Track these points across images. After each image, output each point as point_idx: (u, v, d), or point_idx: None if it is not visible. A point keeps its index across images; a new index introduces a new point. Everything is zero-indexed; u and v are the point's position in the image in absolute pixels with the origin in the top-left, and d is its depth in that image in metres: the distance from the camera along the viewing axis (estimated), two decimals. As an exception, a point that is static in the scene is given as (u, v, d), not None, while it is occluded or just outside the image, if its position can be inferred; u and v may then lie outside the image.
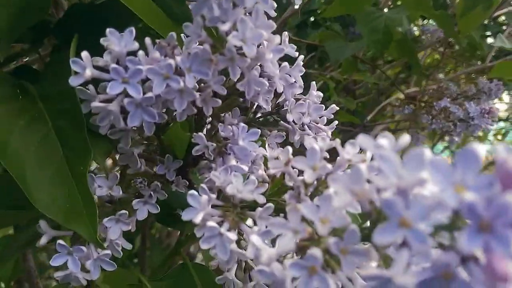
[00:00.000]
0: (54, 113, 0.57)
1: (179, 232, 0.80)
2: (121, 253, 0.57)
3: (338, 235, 0.38)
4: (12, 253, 0.89)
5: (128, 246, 0.59)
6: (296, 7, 1.37)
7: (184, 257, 0.68)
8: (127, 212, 0.56)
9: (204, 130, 0.61)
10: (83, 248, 0.51)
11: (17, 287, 1.50)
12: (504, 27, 1.91)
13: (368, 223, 0.37)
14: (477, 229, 0.24)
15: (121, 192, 0.57)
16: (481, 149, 0.27)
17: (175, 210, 0.78)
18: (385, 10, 1.51)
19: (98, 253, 0.53)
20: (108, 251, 0.53)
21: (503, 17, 2.08)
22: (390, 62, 2.08)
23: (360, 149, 0.48)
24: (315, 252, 0.35)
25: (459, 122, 1.24)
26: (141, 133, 0.61)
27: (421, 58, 1.94)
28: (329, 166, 0.44)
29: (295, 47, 0.59)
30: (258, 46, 0.49)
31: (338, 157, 0.46)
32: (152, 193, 0.59)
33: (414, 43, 1.70)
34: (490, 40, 2.01)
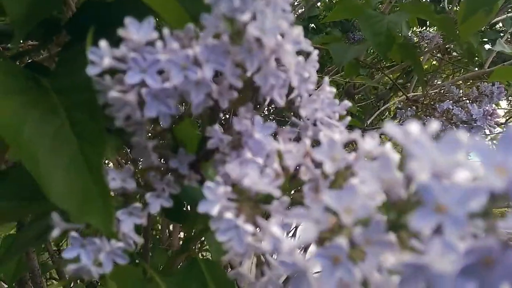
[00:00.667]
0: (69, 106, 0.55)
1: (180, 232, 0.78)
2: (134, 247, 0.55)
3: (361, 225, 0.37)
4: (16, 252, 0.87)
5: (140, 240, 0.57)
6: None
7: (194, 253, 0.66)
8: (141, 205, 0.54)
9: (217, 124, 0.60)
10: (97, 240, 0.50)
11: (19, 287, 1.48)
12: (501, 34, 1.91)
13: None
14: (522, 212, 0.23)
15: (134, 185, 0.55)
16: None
17: (184, 206, 0.77)
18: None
19: (111, 246, 0.51)
20: (121, 244, 0.51)
21: (500, 24, 2.08)
22: (389, 67, 2.07)
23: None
24: (340, 241, 0.34)
25: (462, 124, 1.23)
26: (154, 126, 0.59)
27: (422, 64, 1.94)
28: (350, 157, 0.42)
29: (310, 41, 0.58)
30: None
31: (358, 149, 0.44)
32: (165, 186, 0.57)
33: (415, 48, 1.70)
34: (487, 46, 2.01)
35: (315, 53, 0.59)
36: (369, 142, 0.44)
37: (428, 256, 0.28)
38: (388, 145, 0.46)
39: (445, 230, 0.27)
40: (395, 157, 0.32)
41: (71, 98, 0.55)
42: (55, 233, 0.54)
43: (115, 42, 0.51)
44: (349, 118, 0.64)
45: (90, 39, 0.52)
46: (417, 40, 2.18)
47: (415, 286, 0.28)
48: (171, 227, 1.76)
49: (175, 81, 0.46)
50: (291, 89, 0.61)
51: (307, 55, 0.59)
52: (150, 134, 0.58)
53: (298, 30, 0.49)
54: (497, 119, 1.23)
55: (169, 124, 0.51)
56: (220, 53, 0.48)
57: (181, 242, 1.62)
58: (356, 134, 0.45)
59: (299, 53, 0.57)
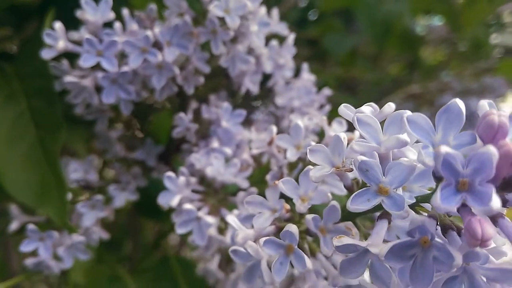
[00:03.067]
0: (30, 92, 0.55)
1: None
2: (97, 241, 0.55)
3: (319, 214, 0.37)
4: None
5: (105, 236, 0.58)
6: None
7: (165, 249, 0.66)
8: (102, 197, 0.54)
9: (189, 113, 0.60)
10: (55, 233, 0.50)
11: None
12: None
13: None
14: (455, 188, 0.23)
15: (96, 176, 0.55)
16: (463, 105, 0.25)
17: (156, 200, 0.77)
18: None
19: (72, 240, 0.52)
20: (82, 238, 0.51)
21: (507, 19, 2.07)
22: (394, 60, 2.06)
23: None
24: (291, 228, 0.34)
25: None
26: (121, 115, 0.59)
27: (425, 58, 1.93)
28: (314, 143, 0.42)
29: (285, 24, 0.58)
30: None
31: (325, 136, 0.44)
32: (131, 179, 0.58)
33: (417, 40, 1.69)
34: (495, 40, 2.00)
35: (291, 38, 0.59)
36: (336, 129, 0.45)
37: (369, 240, 0.28)
38: (357, 132, 0.46)
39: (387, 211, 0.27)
40: (345, 140, 0.32)
41: (32, 84, 0.56)
42: (14, 225, 0.54)
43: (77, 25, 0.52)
44: (328, 107, 0.64)
45: (49, 21, 0.52)
46: (422, 31, 2.16)
47: (357, 268, 0.28)
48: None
49: (133, 65, 0.47)
50: (267, 77, 0.62)
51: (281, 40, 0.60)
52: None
53: (264, 11, 0.49)
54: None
55: (130, 112, 0.52)
56: (182, 35, 0.48)
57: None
58: (322, 121, 0.45)
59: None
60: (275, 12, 0.59)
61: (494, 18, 1.74)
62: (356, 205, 0.27)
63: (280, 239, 0.35)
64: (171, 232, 0.67)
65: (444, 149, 0.22)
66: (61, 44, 0.45)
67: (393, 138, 0.27)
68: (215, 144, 0.52)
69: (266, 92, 0.63)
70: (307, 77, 0.63)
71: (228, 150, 0.52)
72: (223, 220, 0.51)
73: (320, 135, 0.50)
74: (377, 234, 0.28)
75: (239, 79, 0.56)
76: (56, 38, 0.46)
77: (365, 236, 0.35)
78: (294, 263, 0.34)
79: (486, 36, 1.69)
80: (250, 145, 0.57)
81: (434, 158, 0.22)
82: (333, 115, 0.65)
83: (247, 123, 0.63)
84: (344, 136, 0.32)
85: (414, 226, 0.24)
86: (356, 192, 0.27)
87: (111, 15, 0.46)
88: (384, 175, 0.27)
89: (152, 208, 0.71)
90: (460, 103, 0.25)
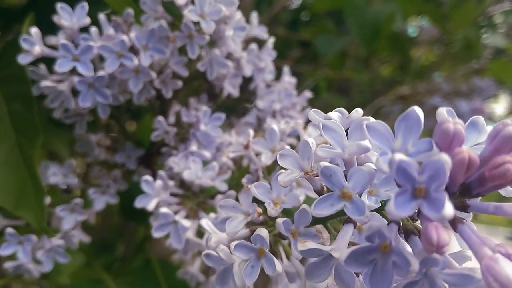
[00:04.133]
0: (9, 96, 0.55)
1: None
2: (77, 245, 0.55)
3: (287, 217, 0.38)
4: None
5: (86, 239, 0.58)
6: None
7: (148, 252, 0.67)
8: (82, 200, 0.54)
9: (171, 116, 0.60)
10: (33, 237, 0.50)
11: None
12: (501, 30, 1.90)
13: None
14: (411, 194, 0.23)
15: (76, 180, 0.55)
16: (421, 113, 0.26)
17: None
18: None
19: (51, 243, 0.52)
20: (61, 242, 0.52)
21: (498, 20, 2.08)
22: (385, 62, 2.07)
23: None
24: (262, 232, 0.34)
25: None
26: (101, 118, 0.60)
27: (417, 58, 1.94)
28: (288, 147, 0.43)
29: (266, 29, 0.58)
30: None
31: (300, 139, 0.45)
32: (111, 182, 0.58)
33: (408, 41, 1.70)
34: (486, 41, 2.01)
35: (270, 41, 0.59)
36: (310, 133, 0.45)
37: (333, 245, 0.28)
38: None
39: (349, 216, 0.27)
40: (314, 145, 0.32)
41: (11, 88, 0.56)
42: (-7, 230, 0.54)
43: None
44: (309, 109, 0.64)
45: (27, 26, 0.52)
46: (414, 33, 2.17)
47: (322, 272, 0.28)
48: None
49: (109, 69, 0.47)
50: (249, 80, 0.62)
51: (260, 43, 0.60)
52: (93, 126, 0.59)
53: (240, 15, 0.50)
54: (484, 115, 1.23)
55: (107, 115, 0.52)
56: (158, 39, 0.49)
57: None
58: (297, 125, 0.45)
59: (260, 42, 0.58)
60: (254, 15, 0.59)
61: (485, 19, 1.75)
62: (319, 210, 0.27)
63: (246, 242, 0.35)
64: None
65: (398, 156, 0.22)
66: (37, 49, 0.46)
67: (354, 144, 0.27)
68: (193, 147, 0.53)
69: (248, 95, 0.64)
70: (288, 79, 0.63)
71: (207, 153, 0.52)
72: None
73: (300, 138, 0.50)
74: (342, 238, 0.29)
75: (218, 82, 0.56)
76: (33, 43, 0.46)
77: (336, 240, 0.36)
78: (265, 267, 0.34)
79: (477, 37, 1.70)
80: (229, 148, 0.58)
81: (388, 165, 0.23)
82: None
83: (229, 126, 0.64)
84: (312, 141, 0.33)
85: (372, 231, 0.24)
86: (319, 198, 0.28)
87: (87, 20, 0.47)
88: (347, 181, 0.27)
89: (135, 212, 0.71)
90: (418, 110, 0.25)
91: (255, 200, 0.38)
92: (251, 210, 0.37)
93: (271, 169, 0.48)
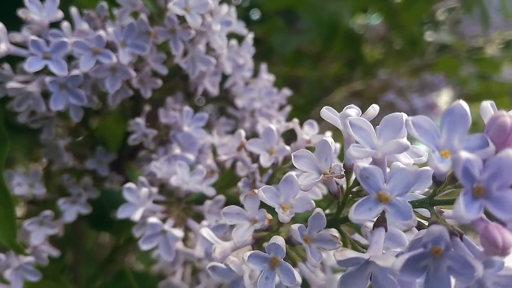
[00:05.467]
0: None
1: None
2: (47, 261, 0.50)
3: (299, 222, 0.35)
4: None
5: (55, 253, 0.52)
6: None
7: (121, 264, 0.62)
8: (52, 213, 0.49)
9: (143, 117, 0.56)
10: (1, 256, 0.44)
11: None
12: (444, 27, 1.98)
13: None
14: (471, 194, 0.21)
15: (43, 190, 0.50)
16: (467, 107, 0.24)
17: (109, 212, 0.72)
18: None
19: (20, 261, 0.46)
20: (31, 258, 0.46)
21: (440, 17, 2.16)
22: (334, 58, 2.09)
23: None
24: (278, 240, 0.31)
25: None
26: (67, 122, 0.54)
27: (363, 56, 1.98)
28: (288, 147, 0.40)
29: (244, 24, 0.56)
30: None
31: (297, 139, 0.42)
32: (82, 191, 0.53)
33: (359, 38, 1.72)
34: (430, 38, 2.08)
35: (249, 37, 0.57)
36: (308, 132, 0.43)
37: (370, 252, 0.26)
38: (328, 133, 0.45)
39: (389, 220, 0.25)
40: (333, 144, 0.30)
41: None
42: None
43: (17, 26, 0.46)
44: (289, 107, 0.63)
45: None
46: (359, 30, 2.22)
47: (359, 281, 0.26)
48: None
49: (84, 68, 0.42)
50: (225, 77, 0.59)
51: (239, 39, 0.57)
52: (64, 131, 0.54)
53: (227, 9, 0.46)
54: (437, 110, 1.28)
55: (81, 119, 0.47)
56: (138, 34, 0.45)
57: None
58: (294, 123, 0.43)
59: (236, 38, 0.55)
60: (232, 10, 0.56)
61: (428, 16, 1.81)
62: (359, 216, 0.25)
63: (256, 250, 0.33)
64: (128, 246, 0.62)
65: (464, 155, 0.20)
66: (3, 47, 0.40)
67: (393, 143, 0.25)
68: (176, 150, 0.49)
69: (224, 93, 0.60)
70: (266, 77, 0.61)
71: (191, 156, 0.49)
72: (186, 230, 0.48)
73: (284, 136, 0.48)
74: (376, 244, 0.27)
75: (198, 80, 0.53)
76: (-4, 40, 0.41)
77: (351, 244, 0.33)
78: (281, 277, 0.31)
79: (420, 34, 1.75)
80: (212, 150, 0.55)
81: (453, 164, 0.21)
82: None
83: (206, 126, 0.60)
84: (331, 140, 0.31)
85: (432, 237, 0.22)
86: (357, 202, 0.25)
87: (60, 14, 0.42)
88: (385, 182, 0.25)
89: (105, 221, 0.66)
90: (464, 104, 0.23)
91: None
92: (258, 216, 0.35)
93: (263, 171, 0.45)
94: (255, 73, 0.62)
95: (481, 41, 1.80)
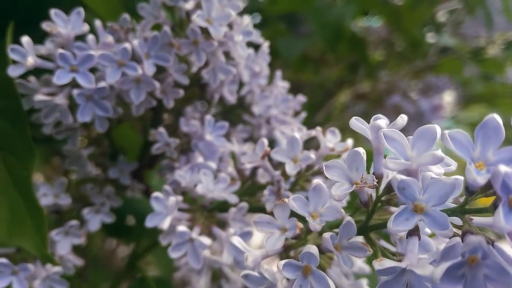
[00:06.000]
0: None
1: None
2: (73, 270, 0.51)
3: (330, 229, 0.36)
4: None
5: (80, 263, 0.53)
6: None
7: (142, 270, 0.63)
8: (78, 222, 0.50)
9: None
10: (30, 266, 0.45)
11: None
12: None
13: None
14: (508, 206, 0.22)
15: (69, 201, 0.51)
16: (500, 120, 0.25)
17: (126, 220, 0.73)
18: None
19: (47, 271, 0.47)
20: (59, 268, 0.47)
21: (441, 19, 2.18)
22: (336, 62, 2.10)
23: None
24: (311, 249, 0.32)
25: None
26: (89, 132, 0.55)
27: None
28: (312, 156, 0.41)
29: (259, 32, 0.56)
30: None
31: (320, 146, 0.43)
32: (105, 200, 0.53)
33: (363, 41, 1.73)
34: (431, 39, 2.09)
35: (265, 45, 0.57)
36: (330, 139, 0.44)
37: (408, 261, 0.27)
38: (350, 141, 0.46)
39: (425, 230, 0.26)
40: (365, 154, 0.31)
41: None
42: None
43: (38, 38, 0.47)
44: (304, 114, 0.63)
45: (10, 36, 0.47)
46: (361, 33, 2.22)
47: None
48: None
49: (111, 80, 0.43)
50: (241, 85, 0.59)
51: (256, 47, 0.58)
52: (84, 141, 0.54)
53: (248, 20, 0.47)
54: (444, 113, 1.29)
55: (106, 129, 0.48)
56: (161, 46, 0.45)
57: (125, 260, 1.55)
58: (317, 131, 0.43)
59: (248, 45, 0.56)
60: (247, 18, 0.57)
61: (430, 18, 1.82)
62: (397, 226, 0.26)
63: (288, 258, 0.33)
64: (146, 254, 0.63)
65: (504, 168, 0.21)
66: (31, 60, 0.41)
67: (429, 155, 0.26)
68: (199, 159, 0.50)
69: (240, 100, 0.61)
70: (281, 84, 0.62)
71: (213, 165, 0.50)
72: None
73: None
74: (412, 253, 0.27)
75: (217, 90, 0.53)
76: (24, 54, 0.42)
77: (381, 251, 0.34)
78: (315, 285, 0.32)
79: (422, 36, 1.76)
80: (231, 158, 0.55)
81: (492, 177, 0.22)
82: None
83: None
84: (363, 151, 0.31)
85: (471, 247, 0.23)
86: (395, 213, 0.26)
87: (86, 27, 0.43)
88: (422, 193, 0.26)
89: (123, 229, 0.67)
90: (497, 118, 0.24)
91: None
92: (288, 225, 0.35)
93: (285, 178, 0.46)
94: (269, 80, 0.63)
95: (483, 41, 1.81)
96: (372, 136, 0.32)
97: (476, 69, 1.75)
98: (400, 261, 0.28)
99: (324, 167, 0.32)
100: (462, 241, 0.26)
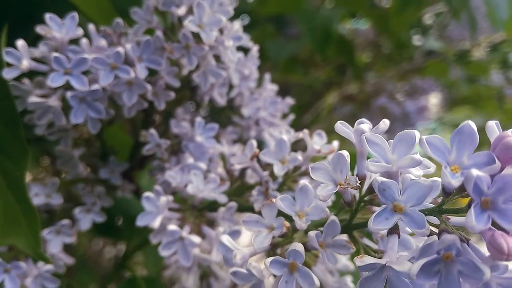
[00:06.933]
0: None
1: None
2: (64, 269, 0.52)
3: (315, 228, 0.38)
4: None
5: (70, 261, 0.54)
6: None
7: (132, 270, 0.64)
8: (70, 222, 0.51)
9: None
10: (22, 264, 0.46)
11: None
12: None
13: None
14: (480, 207, 0.24)
15: (61, 200, 0.52)
16: (474, 126, 0.27)
17: (115, 220, 0.74)
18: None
19: (39, 269, 0.48)
20: (51, 267, 0.48)
21: (427, 22, 2.21)
22: (323, 64, 2.12)
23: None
24: (297, 246, 0.34)
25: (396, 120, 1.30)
26: (81, 133, 0.56)
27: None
28: (300, 157, 0.43)
29: (248, 36, 0.58)
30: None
31: (307, 149, 0.45)
32: (96, 200, 0.54)
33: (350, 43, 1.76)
34: (416, 41, 2.13)
35: (255, 49, 0.59)
36: (317, 142, 0.45)
37: (387, 257, 0.28)
38: (336, 143, 0.47)
39: (406, 229, 0.28)
40: (348, 157, 0.33)
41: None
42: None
43: (29, 41, 0.48)
44: (292, 116, 0.65)
45: (4, 39, 0.48)
46: (348, 35, 2.25)
47: (376, 284, 0.29)
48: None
49: (104, 83, 0.44)
50: (230, 87, 0.61)
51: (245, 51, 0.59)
52: (76, 142, 0.55)
53: (238, 25, 0.49)
54: (429, 114, 1.32)
55: (98, 130, 0.49)
56: (154, 50, 0.47)
57: (112, 261, 1.56)
58: (304, 133, 0.45)
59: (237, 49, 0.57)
60: (238, 23, 0.58)
61: (416, 21, 1.85)
62: (377, 225, 0.28)
63: (274, 256, 0.35)
64: (135, 253, 0.64)
65: (475, 172, 0.23)
66: (25, 63, 0.42)
67: (408, 158, 0.28)
68: (190, 160, 0.51)
69: (229, 103, 0.63)
70: (270, 87, 0.63)
71: (203, 165, 0.51)
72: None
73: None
74: (391, 250, 0.29)
75: (208, 92, 0.55)
76: (18, 57, 0.43)
77: (363, 249, 0.36)
78: (300, 282, 0.34)
79: (408, 38, 1.79)
80: (221, 158, 0.57)
81: (465, 180, 0.24)
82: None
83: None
84: (347, 153, 0.33)
85: (446, 245, 0.25)
86: (374, 213, 0.28)
87: (80, 31, 0.44)
88: (400, 194, 0.28)
89: (113, 228, 0.68)
90: (472, 124, 0.26)
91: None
92: (275, 224, 0.37)
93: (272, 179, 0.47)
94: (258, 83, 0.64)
95: (468, 44, 1.85)
96: (355, 140, 0.33)
97: (461, 72, 1.78)
98: (381, 258, 0.30)
99: (310, 169, 0.34)
100: (439, 239, 0.27)
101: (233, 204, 0.48)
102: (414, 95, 1.44)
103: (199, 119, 0.52)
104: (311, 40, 1.27)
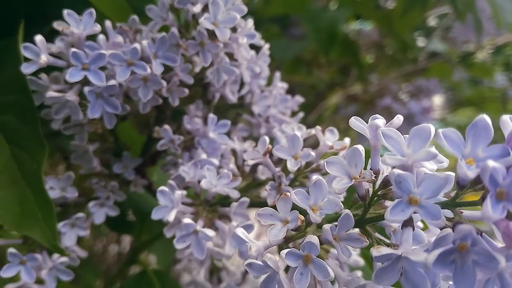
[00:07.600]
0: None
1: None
2: (78, 261, 0.53)
3: (329, 222, 0.38)
4: None
5: (83, 254, 0.55)
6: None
7: (143, 263, 0.64)
8: (84, 215, 0.52)
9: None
10: (38, 256, 0.47)
11: None
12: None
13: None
14: (495, 198, 0.25)
15: (76, 194, 0.53)
16: (489, 120, 0.27)
17: (127, 214, 0.74)
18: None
19: (54, 262, 0.49)
20: (65, 259, 0.49)
21: (431, 23, 2.22)
22: (328, 64, 2.13)
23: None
24: (313, 239, 0.34)
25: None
26: (95, 128, 0.57)
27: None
28: (313, 153, 0.43)
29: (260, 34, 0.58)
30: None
31: (320, 144, 0.46)
32: (110, 194, 0.55)
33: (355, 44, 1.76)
34: (421, 43, 2.13)
35: (266, 47, 0.60)
36: (329, 138, 0.46)
37: (403, 247, 0.29)
38: (348, 140, 0.48)
39: (418, 224, 0.28)
40: (363, 151, 0.33)
41: (2, 100, 0.52)
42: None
43: (45, 36, 0.49)
44: (302, 114, 0.66)
45: (22, 34, 0.49)
46: (353, 36, 2.25)
47: (391, 275, 0.29)
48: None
49: (121, 78, 0.45)
50: (241, 85, 0.62)
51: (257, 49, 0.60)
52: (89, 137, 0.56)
53: (251, 23, 0.50)
54: (432, 115, 1.33)
55: (113, 126, 0.50)
56: (169, 47, 0.47)
57: (116, 258, 1.57)
58: (316, 130, 0.46)
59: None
60: (249, 21, 0.59)
61: (420, 22, 1.86)
62: (394, 217, 0.28)
63: (298, 247, 0.36)
64: (147, 247, 0.65)
65: (492, 163, 0.24)
66: (44, 58, 0.43)
67: (424, 151, 0.28)
68: (203, 155, 0.52)
69: (240, 100, 0.63)
70: (280, 85, 0.64)
71: (216, 161, 0.52)
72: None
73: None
74: (406, 242, 0.30)
75: (220, 89, 0.56)
76: (37, 52, 0.43)
77: (377, 242, 0.37)
78: (315, 273, 0.34)
79: (412, 40, 1.80)
80: (232, 155, 0.58)
81: (481, 171, 0.24)
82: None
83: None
84: (362, 148, 0.34)
85: (462, 234, 0.25)
86: (391, 205, 0.29)
87: (98, 27, 0.45)
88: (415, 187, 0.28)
89: (125, 222, 0.68)
90: (487, 118, 0.27)
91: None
92: (290, 217, 0.38)
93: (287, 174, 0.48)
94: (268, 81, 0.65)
95: (472, 46, 1.85)
96: (370, 134, 0.34)
97: (465, 74, 1.79)
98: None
99: (325, 163, 0.34)
100: (453, 232, 0.28)
101: (246, 199, 0.49)
102: (419, 96, 1.45)
103: (212, 116, 0.53)
104: (316, 41, 1.28)
